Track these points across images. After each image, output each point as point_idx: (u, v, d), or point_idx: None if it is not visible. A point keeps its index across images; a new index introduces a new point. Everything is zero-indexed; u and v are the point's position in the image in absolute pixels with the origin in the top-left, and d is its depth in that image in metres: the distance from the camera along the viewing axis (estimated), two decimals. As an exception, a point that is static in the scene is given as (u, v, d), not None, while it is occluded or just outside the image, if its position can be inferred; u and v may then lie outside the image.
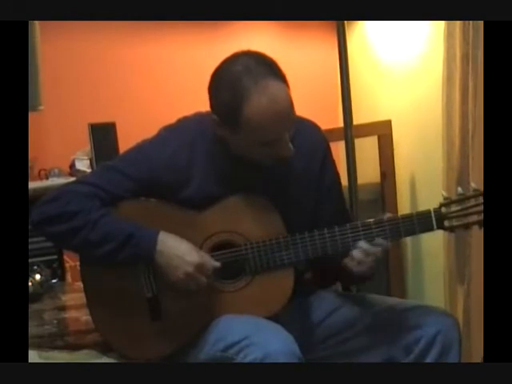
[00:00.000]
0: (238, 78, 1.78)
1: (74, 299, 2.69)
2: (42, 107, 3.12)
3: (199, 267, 1.85)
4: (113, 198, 1.91)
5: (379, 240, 1.85)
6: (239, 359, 1.76)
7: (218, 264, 1.88)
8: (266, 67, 1.80)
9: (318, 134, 2.05)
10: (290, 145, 1.85)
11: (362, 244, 1.85)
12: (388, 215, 1.89)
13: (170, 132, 1.98)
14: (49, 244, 2.81)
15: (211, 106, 1.88)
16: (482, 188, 1.82)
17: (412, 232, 1.87)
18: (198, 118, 2.00)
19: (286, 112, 1.81)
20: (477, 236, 2.77)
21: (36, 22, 2.88)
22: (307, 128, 2.03)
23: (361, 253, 1.85)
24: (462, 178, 2.90)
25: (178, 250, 1.86)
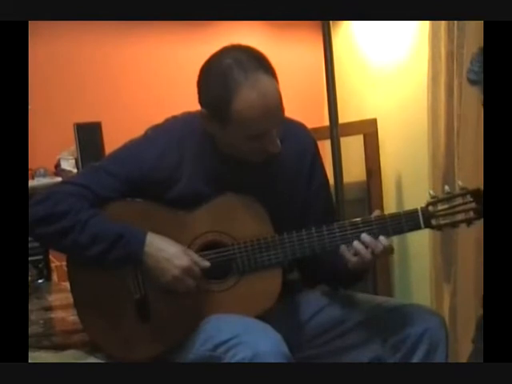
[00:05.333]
0: (229, 71, 1.78)
1: (60, 299, 2.68)
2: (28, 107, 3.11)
3: (187, 270, 1.85)
4: (101, 199, 1.90)
5: (382, 237, 1.84)
6: (228, 358, 1.75)
7: (207, 264, 1.88)
8: (256, 61, 1.81)
9: (307, 135, 2.05)
10: (278, 141, 1.85)
11: (364, 236, 1.84)
12: (376, 213, 1.89)
13: (158, 131, 1.98)
14: (34, 244, 2.78)
15: (200, 100, 1.87)
16: (468, 186, 1.83)
17: (400, 231, 1.87)
18: (187, 117, 1.99)
19: (275, 107, 1.81)
20: (463, 235, 2.78)
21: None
22: (296, 129, 2.03)
23: (361, 244, 1.83)
24: (447, 176, 2.92)
25: (166, 253, 1.85)
